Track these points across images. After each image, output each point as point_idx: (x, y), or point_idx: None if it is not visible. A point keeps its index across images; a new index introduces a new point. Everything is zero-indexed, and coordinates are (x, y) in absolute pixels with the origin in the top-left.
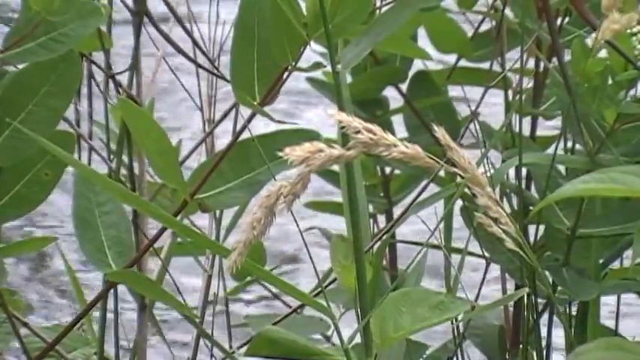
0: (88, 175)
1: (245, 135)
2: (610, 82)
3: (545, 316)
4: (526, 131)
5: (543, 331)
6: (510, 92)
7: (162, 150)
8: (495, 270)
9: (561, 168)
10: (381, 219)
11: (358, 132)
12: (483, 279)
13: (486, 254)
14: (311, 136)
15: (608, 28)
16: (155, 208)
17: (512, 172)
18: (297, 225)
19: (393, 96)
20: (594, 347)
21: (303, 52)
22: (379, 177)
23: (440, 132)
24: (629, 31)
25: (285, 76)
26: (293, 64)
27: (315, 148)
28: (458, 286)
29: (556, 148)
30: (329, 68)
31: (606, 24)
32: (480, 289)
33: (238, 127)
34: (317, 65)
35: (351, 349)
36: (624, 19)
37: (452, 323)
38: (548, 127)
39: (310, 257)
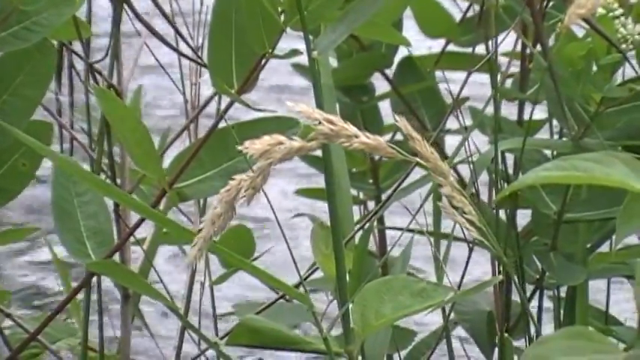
0: (64, 165)
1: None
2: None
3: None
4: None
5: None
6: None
7: (140, 140)
8: None
9: (548, 152)
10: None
11: (319, 123)
12: (467, 264)
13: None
14: (290, 124)
15: (574, 13)
16: (132, 199)
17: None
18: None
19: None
20: (558, 336)
21: (279, 39)
22: (368, 163)
23: (401, 122)
24: (611, 14)
25: (262, 63)
26: (270, 51)
27: (274, 141)
28: (443, 272)
29: (526, 134)
30: None
31: (572, 9)
32: (463, 274)
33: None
34: (294, 52)
35: (337, 338)
36: (589, 3)
37: (442, 310)
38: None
39: (286, 242)
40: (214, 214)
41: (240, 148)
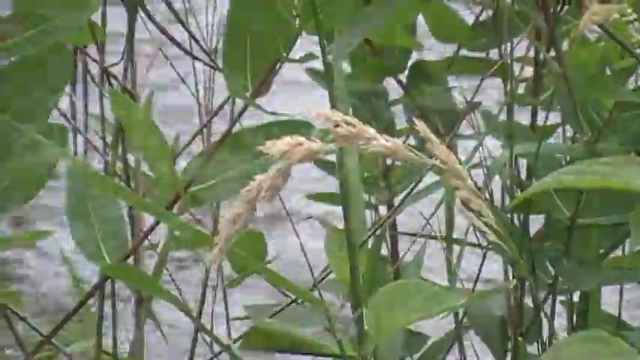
0: (79, 169)
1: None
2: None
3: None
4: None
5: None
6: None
7: (154, 144)
8: None
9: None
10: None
11: (338, 125)
12: (480, 268)
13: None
14: (305, 128)
15: (589, 20)
16: (145, 202)
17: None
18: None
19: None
20: (575, 340)
21: (295, 43)
22: (380, 167)
23: (420, 125)
24: (625, 19)
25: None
26: (285, 55)
27: (294, 142)
28: (457, 277)
29: (540, 140)
30: None
31: (587, 16)
32: (476, 279)
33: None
34: (309, 56)
35: (349, 341)
36: (604, 10)
37: (454, 314)
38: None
39: (300, 241)
40: (235, 214)
41: (260, 148)
